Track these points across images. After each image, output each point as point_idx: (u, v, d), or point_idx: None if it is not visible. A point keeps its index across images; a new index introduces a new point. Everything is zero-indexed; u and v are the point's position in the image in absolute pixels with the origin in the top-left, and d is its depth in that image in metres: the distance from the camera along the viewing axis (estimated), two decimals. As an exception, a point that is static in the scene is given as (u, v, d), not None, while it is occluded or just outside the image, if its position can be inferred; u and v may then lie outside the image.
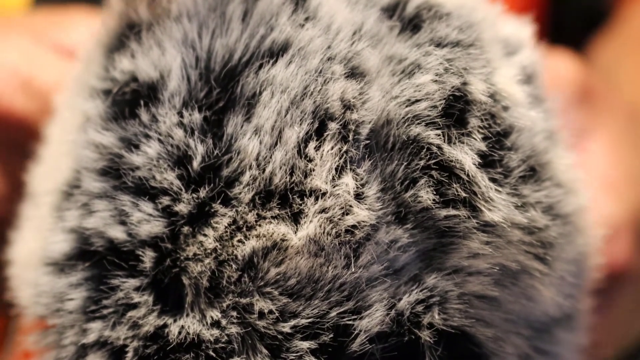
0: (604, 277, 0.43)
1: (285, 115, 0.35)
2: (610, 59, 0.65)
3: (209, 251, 0.35)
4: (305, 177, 0.35)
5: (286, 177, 0.35)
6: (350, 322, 0.35)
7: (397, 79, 0.36)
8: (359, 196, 0.35)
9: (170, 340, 0.35)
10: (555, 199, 0.38)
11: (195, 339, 0.35)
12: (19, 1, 0.64)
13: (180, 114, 0.36)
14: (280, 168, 0.35)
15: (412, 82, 0.36)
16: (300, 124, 0.35)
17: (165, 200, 0.35)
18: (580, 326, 0.41)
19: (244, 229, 0.35)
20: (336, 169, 0.35)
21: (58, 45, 0.48)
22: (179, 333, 0.35)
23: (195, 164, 0.35)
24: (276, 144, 0.35)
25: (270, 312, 0.35)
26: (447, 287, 0.36)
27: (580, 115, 0.50)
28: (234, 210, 0.35)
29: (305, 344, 0.35)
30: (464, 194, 0.35)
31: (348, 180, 0.35)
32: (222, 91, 0.36)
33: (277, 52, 0.36)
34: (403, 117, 0.36)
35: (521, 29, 0.41)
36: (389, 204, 0.35)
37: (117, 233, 0.36)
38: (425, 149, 0.36)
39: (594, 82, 0.52)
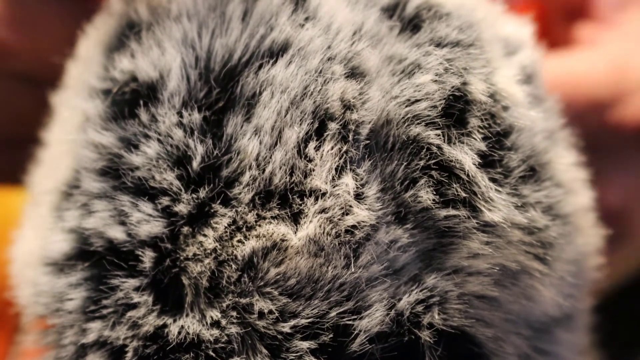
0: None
1: (285, 116, 0.35)
2: None
3: (208, 251, 0.35)
4: (305, 177, 0.35)
5: (286, 177, 0.35)
6: (350, 322, 0.35)
7: (397, 79, 0.36)
8: (358, 196, 0.35)
9: (170, 340, 0.35)
10: (555, 199, 0.38)
11: (195, 339, 0.35)
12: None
13: (180, 114, 0.36)
14: (280, 168, 0.35)
15: (412, 82, 0.36)
16: (300, 124, 0.35)
17: (164, 201, 0.35)
18: (581, 326, 0.41)
19: (244, 229, 0.35)
20: (336, 169, 0.35)
21: None
22: (179, 333, 0.35)
23: (195, 164, 0.35)
24: (276, 144, 0.35)
25: (270, 312, 0.35)
26: (447, 287, 0.36)
27: None
28: (233, 210, 0.35)
29: (305, 344, 0.35)
30: (463, 194, 0.35)
31: (348, 181, 0.35)
32: (221, 91, 0.36)
33: (277, 52, 0.36)
34: (403, 117, 0.36)
35: (521, 29, 0.41)
36: (389, 204, 0.35)
37: (117, 233, 0.36)
38: (425, 149, 0.36)
39: None
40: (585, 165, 0.40)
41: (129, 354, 0.35)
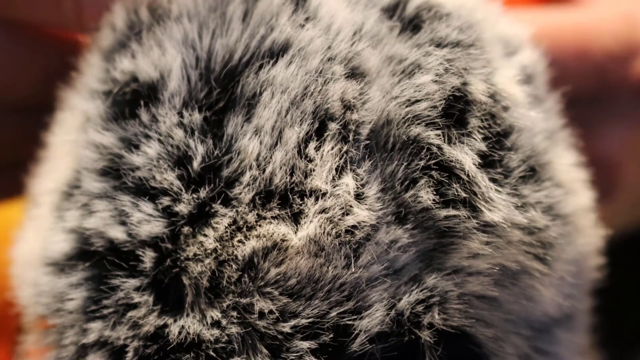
0: None
1: (285, 116, 0.35)
2: None
3: (209, 251, 0.35)
4: (306, 177, 0.35)
5: (286, 178, 0.35)
6: (350, 322, 0.35)
7: (397, 79, 0.36)
8: (359, 196, 0.35)
9: (171, 340, 0.35)
10: (555, 199, 0.38)
11: (196, 339, 0.35)
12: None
13: (181, 114, 0.36)
14: (281, 168, 0.35)
15: (412, 82, 0.36)
16: (301, 124, 0.35)
17: (165, 201, 0.35)
18: (580, 326, 0.41)
19: (244, 229, 0.35)
20: (336, 169, 0.35)
21: None
22: (179, 333, 0.35)
23: (196, 164, 0.35)
24: (276, 144, 0.35)
25: (271, 312, 0.35)
26: (447, 287, 0.36)
27: None
28: (234, 210, 0.35)
29: (306, 344, 0.35)
30: (464, 194, 0.36)
31: (348, 181, 0.35)
32: (222, 91, 0.36)
33: (277, 53, 0.36)
34: (403, 117, 0.36)
35: (521, 29, 0.41)
36: (389, 204, 0.35)
37: (117, 233, 0.36)
38: (425, 149, 0.36)
39: None
40: (583, 116, 0.39)
41: (130, 354, 0.35)
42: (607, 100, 0.46)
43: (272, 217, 0.35)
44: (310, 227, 0.35)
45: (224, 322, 0.35)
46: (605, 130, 0.43)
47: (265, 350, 0.35)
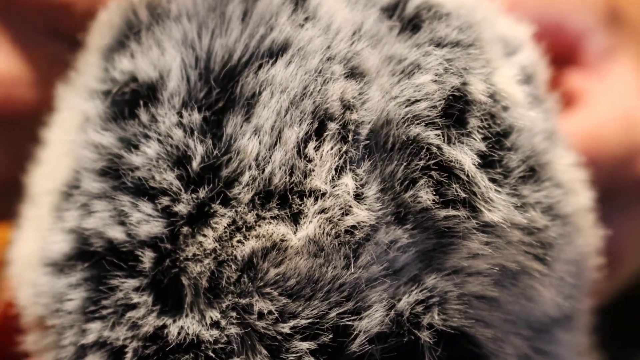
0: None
1: (284, 116, 0.35)
2: None
3: (208, 251, 0.35)
4: (305, 177, 0.35)
5: (286, 178, 0.35)
6: (349, 323, 0.35)
7: (396, 79, 0.36)
8: (358, 196, 0.35)
9: (170, 341, 0.35)
10: (555, 200, 0.38)
11: (195, 339, 0.35)
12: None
13: (180, 114, 0.36)
14: (280, 168, 0.35)
15: (412, 82, 0.36)
16: (300, 124, 0.35)
17: (164, 201, 0.35)
18: (580, 326, 0.41)
19: (244, 229, 0.35)
20: (336, 169, 0.35)
21: None
22: (179, 333, 0.35)
23: (195, 164, 0.35)
24: (276, 144, 0.35)
25: (270, 312, 0.35)
26: (446, 288, 0.36)
27: (607, 37, 0.51)
28: (233, 210, 0.35)
29: (305, 345, 0.35)
30: (463, 195, 0.35)
31: (348, 181, 0.35)
32: (221, 91, 0.36)
33: (276, 52, 0.36)
34: (403, 117, 0.36)
35: (521, 29, 0.41)
36: (389, 204, 0.35)
37: (117, 233, 0.36)
38: (424, 149, 0.36)
39: (624, 5, 0.52)
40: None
41: (129, 355, 0.35)
42: (613, 198, 0.48)
43: (272, 217, 0.35)
44: (309, 227, 0.35)
45: (223, 322, 0.35)
46: (613, 226, 0.45)
47: (264, 351, 0.35)
